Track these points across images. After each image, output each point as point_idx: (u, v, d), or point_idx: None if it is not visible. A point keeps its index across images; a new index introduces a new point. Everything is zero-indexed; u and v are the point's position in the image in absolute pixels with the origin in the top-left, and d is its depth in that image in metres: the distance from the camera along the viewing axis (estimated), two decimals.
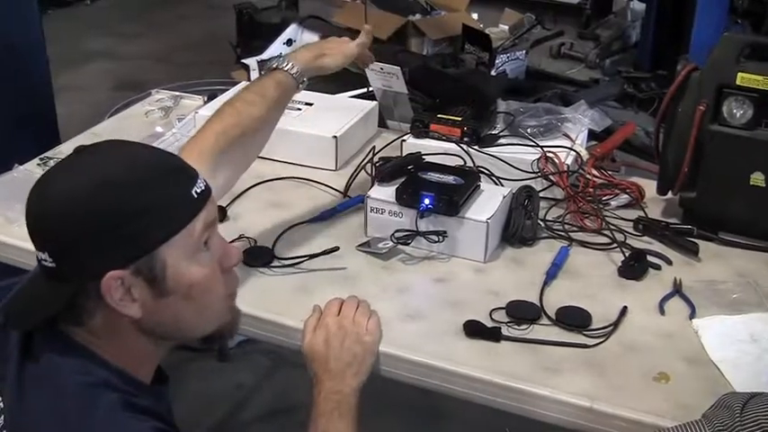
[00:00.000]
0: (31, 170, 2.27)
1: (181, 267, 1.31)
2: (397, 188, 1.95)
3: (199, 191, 1.33)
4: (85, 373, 1.30)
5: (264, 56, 4.68)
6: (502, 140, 2.24)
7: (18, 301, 1.38)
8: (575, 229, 2.04)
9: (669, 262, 1.93)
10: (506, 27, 6.12)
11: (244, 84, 2.71)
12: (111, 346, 1.34)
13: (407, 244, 1.93)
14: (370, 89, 2.59)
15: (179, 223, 1.30)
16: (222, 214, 2.05)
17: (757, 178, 1.97)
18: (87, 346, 1.33)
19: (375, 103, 2.53)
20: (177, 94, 2.80)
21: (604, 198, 2.13)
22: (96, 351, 1.33)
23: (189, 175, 1.35)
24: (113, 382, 1.31)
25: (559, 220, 2.07)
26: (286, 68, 1.90)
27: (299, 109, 2.42)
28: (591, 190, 2.13)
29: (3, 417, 1.32)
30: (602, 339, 1.69)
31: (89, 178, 1.27)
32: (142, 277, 1.28)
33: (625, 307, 1.77)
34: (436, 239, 1.91)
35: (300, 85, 1.92)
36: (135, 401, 1.30)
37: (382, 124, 2.56)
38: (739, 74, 1.94)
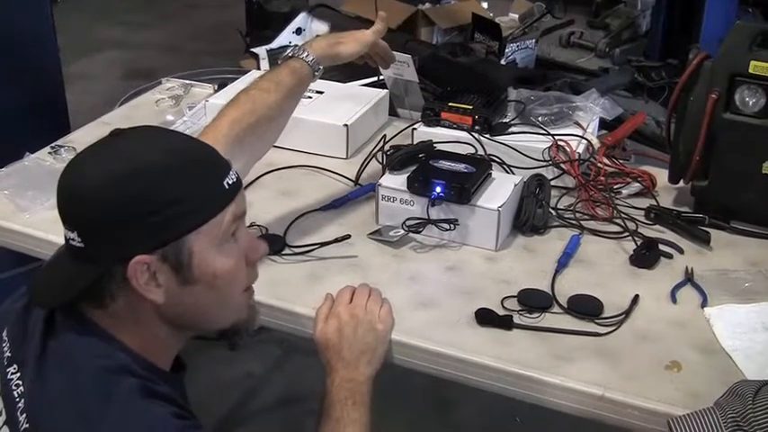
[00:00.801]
0: (42, 159, 2.27)
1: (207, 257, 1.33)
2: (408, 176, 1.95)
3: (230, 182, 1.35)
4: (105, 357, 1.31)
5: (274, 45, 4.68)
6: (513, 129, 2.24)
7: (43, 279, 1.40)
8: (586, 217, 2.04)
9: (681, 251, 1.93)
10: (516, 16, 6.11)
11: (254, 72, 2.71)
12: (131, 330, 1.35)
13: (419, 232, 1.93)
14: (381, 78, 2.59)
15: (209, 213, 1.32)
16: None
17: None
18: (108, 330, 1.34)
19: (386, 91, 2.52)
20: (187, 82, 2.80)
21: (616, 186, 2.13)
22: (117, 335, 1.35)
23: (221, 166, 1.36)
24: (133, 367, 1.32)
25: (571, 208, 2.06)
26: (302, 57, 1.90)
27: (310, 97, 2.42)
28: (602, 178, 2.12)
29: (23, 400, 1.33)
30: (613, 328, 1.68)
31: (124, 163, 1.29)
32: (168, 264, 1.30)
33: (637, 295, 1.77)
34: (447, 227, 1.91)
35: (316, 74, 1.92)
36: (154, 387, 1.31)
37: (393, 113, 2.56)
38: (752, 62, 1.93)
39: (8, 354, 1.40)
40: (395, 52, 2.41)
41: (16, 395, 1.34)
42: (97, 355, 1.32)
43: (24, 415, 1.32)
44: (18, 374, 1.36)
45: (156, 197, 1.27)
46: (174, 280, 1.32)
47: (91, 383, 1.29)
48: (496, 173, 2.05)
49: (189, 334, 1.45)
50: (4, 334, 1.43)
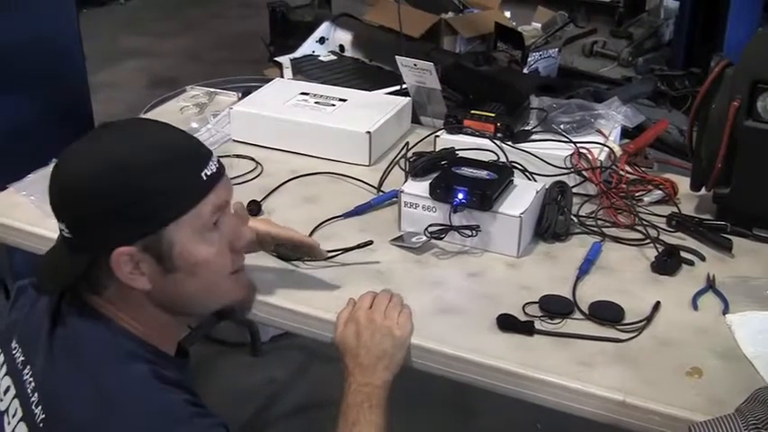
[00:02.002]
0: None
1: (188, 246, 1.37)
2: (430, 183, 1.96)
3: (209, 173, 1.39)
4: (115, 345, 1.36)
5: (297, 54, 4.71)
6: (535, 136, 2.24)
7: (41, 268, 1.46)
8: (608, 224, 2.04)
9: (702, 258, 1.93)
10: (539, 25, 6.10)
11: (278, 80, 2.73)
12: (132, 316, 1.40)
13: (441, 238, 1.94)
14: (404, 86, 2.60)
15: (187, 204, 1.36)
16: (257, 209, 2.07)
17: None
18: (113, 319, 1.39)
19: (409, 99, 2.53)
20: (212, 90, 2.81)
21: (637, 194, 2.13)
22: (121, 323, 1.39)
23: (200, 158, 1.40)
24: (141, 353, 1.37)
25: (592, 215, 2.07)
26: None
27: (333, 105, 2.43)
28: (624, 186, 2.13)
29: (36, 394, 1.37)
30: (635, 334, 1.69)
31: (104, 159, 1.35)
32: (150, 253, 1.35)
33: (658, 302, 1.77)
34: (469, 234, 1.92)
35: None
36: (164, 373, 1.35)
37: (416, 120, 2.57)
38: None
39: (21, 358, 1.44)
40: (419, 60, 2.43)
41: (29, 391, 1.38)
42: (106, 343, 1.36)
43: (40, 407, 1.36)
44: (30, 373, 1.40)
45: (133, 191, 1.32)
46: (157, 269, 1.37)
47: (105, 372, 1.33)
48: (518, 180, 2.05)
49: (188, 318, 1.50)
50: (14, 342, 1.47)
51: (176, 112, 2.68)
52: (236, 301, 1.53)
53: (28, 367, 1.41)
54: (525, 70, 4.73)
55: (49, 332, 1.40)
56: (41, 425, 1.35)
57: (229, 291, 1.50)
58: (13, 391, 1.42)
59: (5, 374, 1.46)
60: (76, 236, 1.36)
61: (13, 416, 1.40)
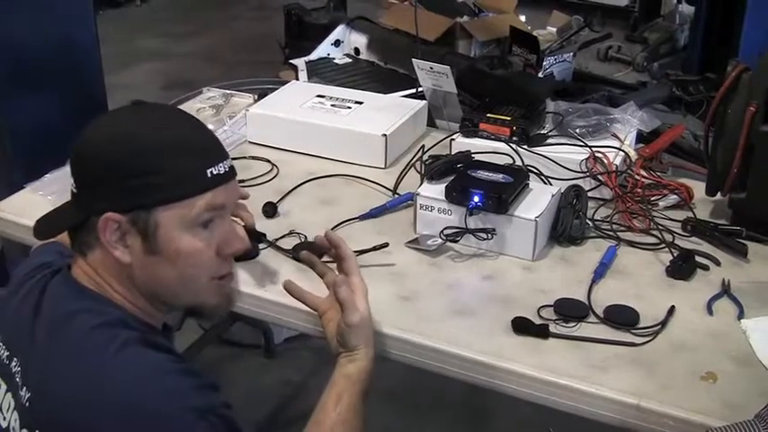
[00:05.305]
0: None
1: (173, 233, 1.39)
2: (446, 186, 1.96)
3: (215, 172, 1.41)
4: (100, 313, 1.39)
5: (312, 56, 4.72)
6: (551, 140, 2.25)
7: (44, 216, 1.53)
8: (623, 228, 2.04)
9: (717, 263, 1.93)
10: (554, 29, 6.10)
11: (294, 83, 2.74)
12: (116, 288, 1.44)
13: (456, 241, 1.94)
14: (420, 89, 2.60)
15: (181, 193, 1.39)
16: (273, 210, 2.08)
17: None
18: (98, 291, 1.43)
19: (424, 102, 2.54)
20: (228, 92, 2.82)
21: (653, 198, 2.13)
22: (107, 296, 1.43)
23: (212, 156, 1.43)
24: (127, 320, 1.41)
25: (607, 219, 2.07)
26: None
27: (350, 107, 2.44)
28: (639, 190, 2.13)
29: (22, 377, 1.40)
30: (649, 338, 1.69)
31: (121, 128, 1.41)
32: (137, 228, 1.38)
33: (673, 306, 1.77)
34: (485, 237, 1.92)
35: None
36: (152, 339, 1.40)
37: (431, 123, 2.58)
38: None
39: (6, 353, 1.46)
40: (435, 63, 2.43)
41: (18, 380, 1.41)
42: (91, 311, 1.39)
43: (25, 387, 1.38)
44: (17, 363, 1.43)
45: (138, 163, 1.37)
46: (141, 246, 1.40)
47: (89, 339, 1.36)
48: (534, 183, 2.06)
49: (160, 307, 1.50)
50: None
51: (193, 113, 2.67)
52: (209, 306, 1.51)
53: (14, 360, 1.43)
54: (540, 74, 4.73)
55: (34, 313, 1.43)
56: (28, 404, 1.37)
57: (205, 293, 1.48)
58: (3, 388, 1.44)
59: None
60: (80, 192, 1.41)
61: (7, 410, 1.42)
